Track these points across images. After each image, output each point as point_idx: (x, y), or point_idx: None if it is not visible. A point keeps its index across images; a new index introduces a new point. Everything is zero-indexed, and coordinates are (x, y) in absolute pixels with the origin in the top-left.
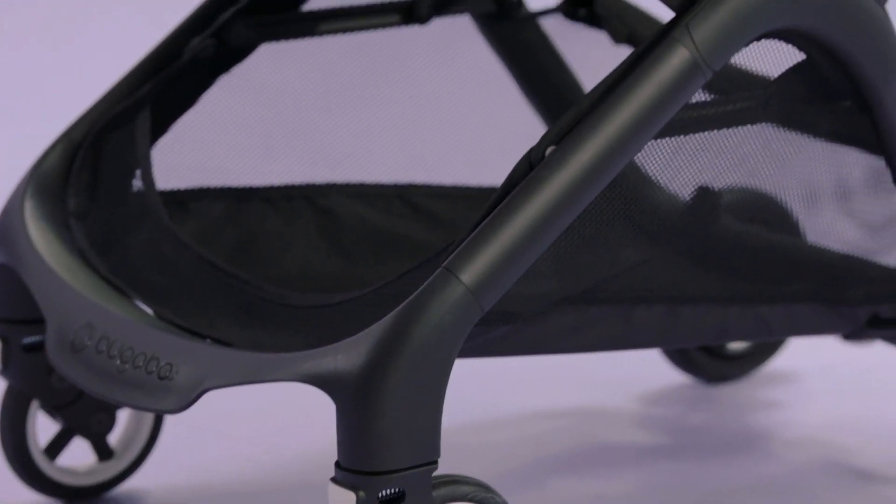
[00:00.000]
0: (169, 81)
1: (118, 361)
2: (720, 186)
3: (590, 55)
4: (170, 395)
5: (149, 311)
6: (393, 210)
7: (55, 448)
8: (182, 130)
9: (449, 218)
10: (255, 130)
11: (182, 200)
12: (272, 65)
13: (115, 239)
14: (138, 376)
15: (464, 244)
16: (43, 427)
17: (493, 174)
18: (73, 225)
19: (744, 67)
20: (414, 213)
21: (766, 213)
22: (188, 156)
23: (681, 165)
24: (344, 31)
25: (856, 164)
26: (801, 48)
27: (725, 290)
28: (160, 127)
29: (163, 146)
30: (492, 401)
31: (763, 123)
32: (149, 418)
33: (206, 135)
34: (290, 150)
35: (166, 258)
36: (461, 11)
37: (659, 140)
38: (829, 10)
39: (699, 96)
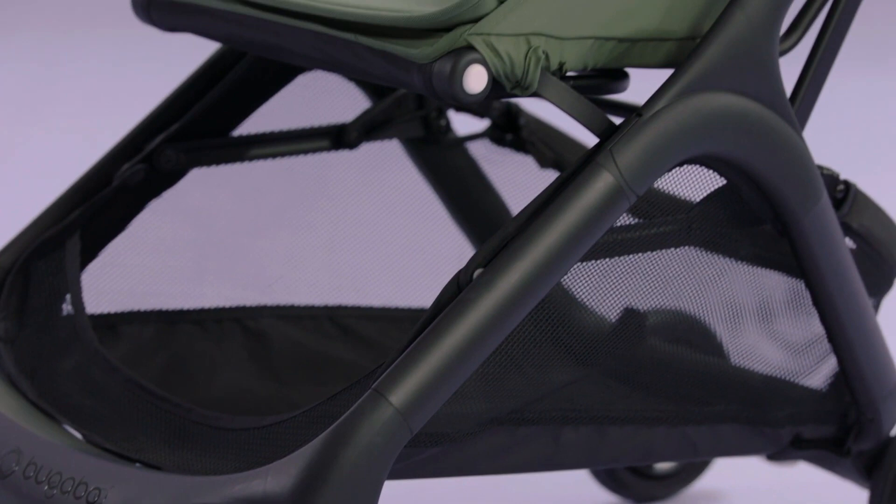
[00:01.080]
0: (99, 207)
1: (46, 487)
2: (646, 308)
3: (517, 179)
4: None
5: (78, 435)
6: (323, 332)
7: None
8: (112, 255)
9: (378, 339)
10: (186, 254)
11: (112, 324)
12: (203, 189)
13: (44, 363)
14: (66, 501)
15: (393, 366)
16: None
17: (422, 296)
18: (2, 350)
19: (667, 191)
20: (344, 334)
21: (690, 334)
22: (118, 280)
23: (607, 287)
24: (274, 156)
25: (777, 286)
26: (721, 173)
27: (652, 411)
28: (90, 252)
29: (93, 271)
30: None
31: (686, 247)
32: None
33: (136, 259)
34: (220, 273)
35: (96, 382)
36: (390, 136)
37: (585, 263)
38: (748, 138)
39: (624, 220)
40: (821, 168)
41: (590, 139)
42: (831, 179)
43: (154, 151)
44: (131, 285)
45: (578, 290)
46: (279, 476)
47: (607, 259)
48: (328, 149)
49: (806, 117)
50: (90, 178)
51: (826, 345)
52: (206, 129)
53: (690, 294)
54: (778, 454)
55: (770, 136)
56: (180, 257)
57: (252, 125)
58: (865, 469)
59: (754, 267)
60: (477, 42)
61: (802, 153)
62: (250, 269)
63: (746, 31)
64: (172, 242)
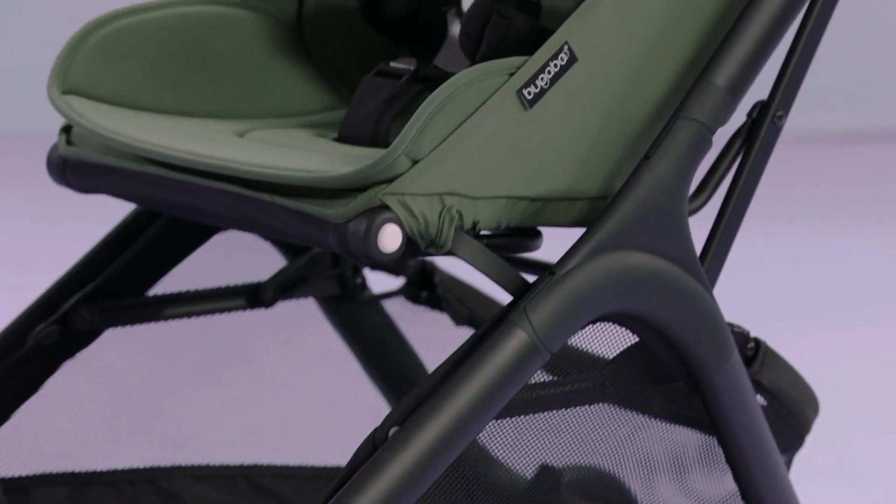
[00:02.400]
0: (12, 368)
1: None
2: (561, 465)
3: (432, 336)
4: None
5: None
6: (238, 491)
7: None
8: (25, 417)
9: (294, 498)
10: (100, 414)
11: (23, 486)
12: (117, 348)
13: None
14: None
15: None
16: None
17: (338, 453)
18: None
19: (581, 348)
20: (259, 494)
21: (605, 491)
22: (31, 442)
23: (522, 444)
24: (189, 314)
25: (690, 443)
26: (634, 331)
27: None
28: (2, 413)
29: (5, 433)
30: None
31: (601, 404)
32: None
33: (49, 420)
34: (135, 433)
35: None
36: (305, 294)
37: (500, 420)
38: (659, 296)
39: (539, 377)
40: (731, 325)
41: (505, 296)
42: (742, 337)
43: (69, 312)
44: (44, 447)
45: (494, 447)
46: None
47: (522, 416)
48: (244, 307)
49: (716, 275)
50: (3, 339)
51: (740, 502)
52: (122, 289)
53: (605, 451)
54: None
55: (681, 294)
56: (94, 418)
57: (167, 284)
58: None
59: (668, 423)
60: (391, 201)
61: (713, 311)
62: (165, 428)
63: (656, 190)
64: (86, 403)
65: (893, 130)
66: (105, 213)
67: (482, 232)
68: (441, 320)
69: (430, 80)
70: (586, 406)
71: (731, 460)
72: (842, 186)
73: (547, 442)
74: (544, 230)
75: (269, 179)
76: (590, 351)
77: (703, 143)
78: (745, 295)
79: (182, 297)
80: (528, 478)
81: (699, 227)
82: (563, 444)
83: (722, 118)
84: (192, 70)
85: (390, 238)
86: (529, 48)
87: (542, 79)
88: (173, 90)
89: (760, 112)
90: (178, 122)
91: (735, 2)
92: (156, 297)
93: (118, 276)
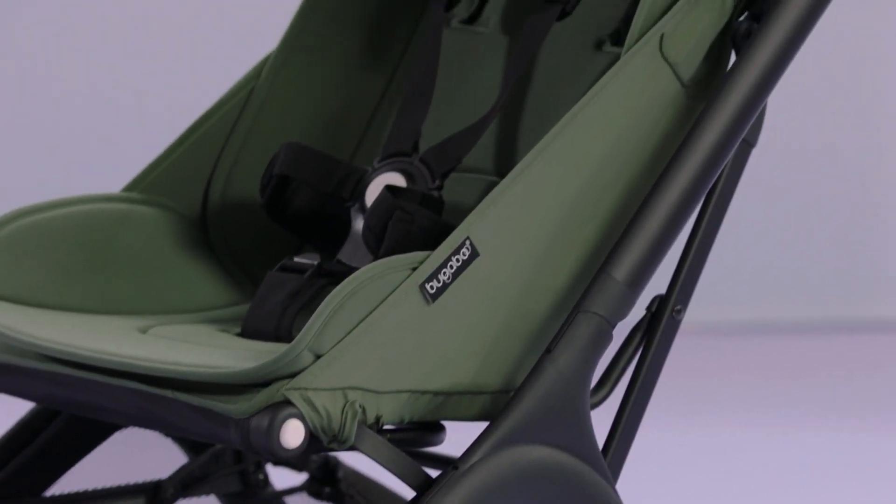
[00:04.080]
0: None
1: None
2: None
3: None
4: None
5: None
6: None
7: None
8: None
9: None
10: None
11: None
12: None
13: None
14: None
15: None
16: None
17: None
18: None
19: None
20: None
21: None
22: None
23: None
24: None
25: None
26: None
27: None
28: None
29: None
30: None
31: None
32: None
33: None
34: None
35: None
36: (207, 492)
37: None
38: (563, 491)
39: None
40: None
41: (407, 492)
42: None
43: None
44: None
45: None
46: None
47: None
48: None
49: (618, 469)
50: None
51: None
52: (18, 490)
53: None
54: None
55: (584, 488)
56: None
57: (67, 483)
58: None
59: None
60: (294, 396)
61: None
62: None
63: (558, 384)
64: None
65: (796, 322)
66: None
67: (385, 426)
68: None
69: (333, 274)
70: None
71: None
72: (748, 378)
73: None
74: (449, 423)
75: (171, 376)
76: None
77: (604, 337)
78: (650, 486)
79: (80, 497)
80: None
81: (601, 420)
82: None
83: (622, 312)
84: (97, 267)
85: (293, 434)
86: (432, 243)
87: (444, 273)
88: (77, 287)
89: (659, 306)
90: (81, 320)
91: (633, 198)
92: (53, 498)
93: (14, 477)
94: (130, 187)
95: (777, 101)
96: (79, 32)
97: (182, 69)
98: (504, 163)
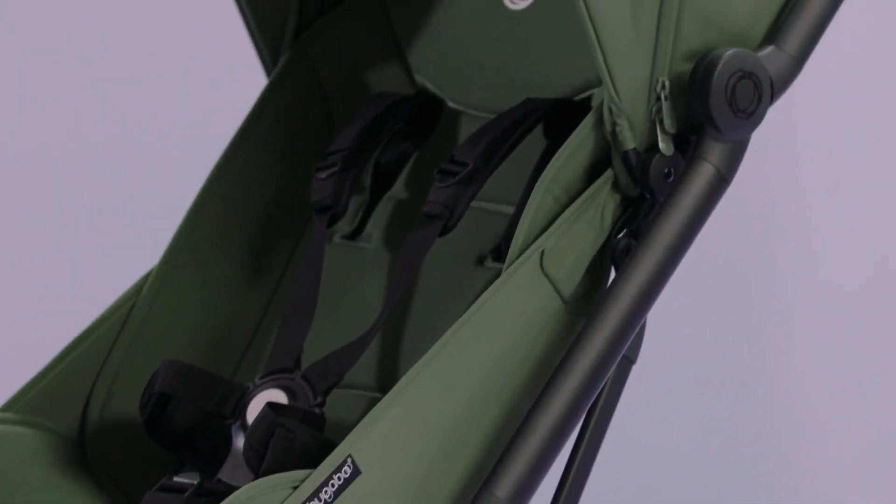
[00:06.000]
0: None
1: None
2: None
3: None
4: None
5: None
6: None
7: None
8: None
9: None
10: None
11: None
12: None
13: None
14: None
15: None
16: None
17: None
18: None
19: None
20: None
21: None
22: None
23: None
24: None
25: None
26: None
27: None
28: None
29: None
30: None
31: None
32: None
33: None
34: None
35: None
36: None
37: None
38: None
39: None
40: None
41: None
42: None
43: None
44: None
45: None
46: None
47: None
48: None
49: None
50: None
51: None
52: None
53: None
54: None
55: None
56: None
57: None
58: None
59: None
60: None
61: None
62: None
63: None
64: None
65: None
66: None
67: None
68: None
69: (213, 494)
70: None
71: None
72: None
73: None
74: None
75: None
76: None
77: None
78: None
79: None
80: None
81: None
82: None
83: None
84: None
85: None
86: (314, 461)
87: (325, 492)
88: None
89: None
90: None
91: (515, 413)
92: None
93: None
94: (6, 407)
95: None
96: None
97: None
98: (387, 379)
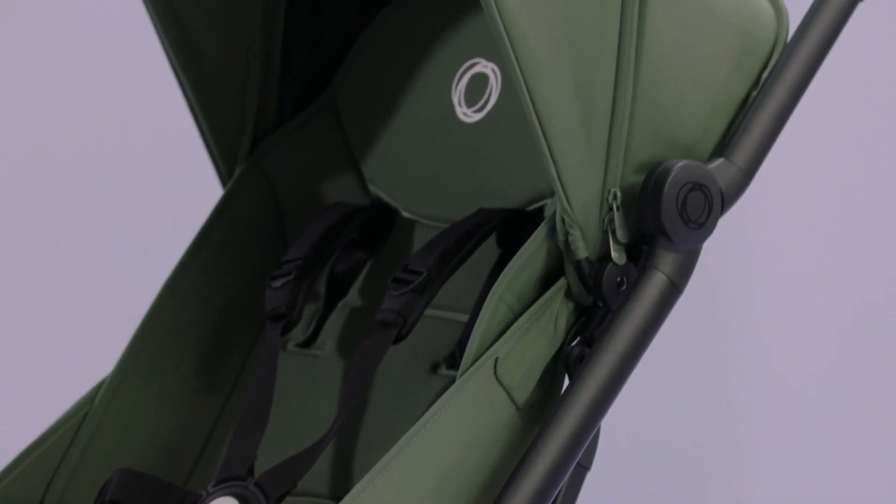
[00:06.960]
0: None
1: None
2: None
3: None
4: None
5: None
6: None
7: None
8: None
9: None
10: None
11: None
12: None
13: None
14: None
15: None
16: None
17: None
18: None
19: None
20: None
21: None
22: None
23: None
24: None
25: None
26: None
27: None
28: None
29: None
30: None
31: None
32: None
33: None
34: None
35: None
36: None
37: None
38: None
39: None
40: None
41: None
42: None
43: None
44: None
45: None
46: None
47: None
48: None
49: None
50: None
51: None
52: None
53: None
54: None
55: None
56: None
57: None
58: None
59: None
60: None
61: None
62: None
63: None
64: None
65: None
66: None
67: None
68: None
69: None
70: None
71: None
72: None
73: None
74: None
75: None
76: None
77: None
78: None
79: None
80: None
81: None
82: None
83: None
84: None
85: None
86: None
87: None
88: None
89: None
90: None
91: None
92: None
93: None
94: None
95: None
96: None
97: None
98: (340, 486)
